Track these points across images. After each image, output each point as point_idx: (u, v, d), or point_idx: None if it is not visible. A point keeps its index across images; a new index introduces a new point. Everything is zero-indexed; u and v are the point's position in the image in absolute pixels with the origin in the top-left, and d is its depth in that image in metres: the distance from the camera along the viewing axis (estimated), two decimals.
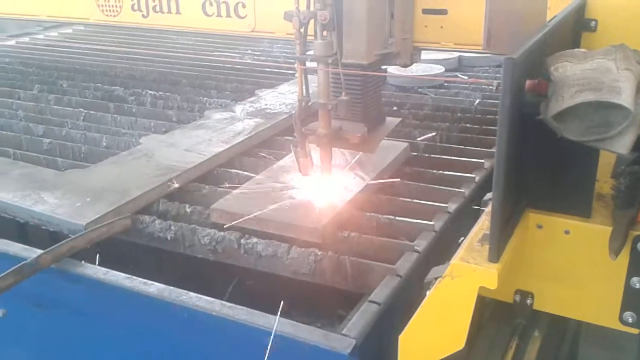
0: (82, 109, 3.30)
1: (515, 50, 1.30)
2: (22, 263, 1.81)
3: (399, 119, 2.50)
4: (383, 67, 2.33)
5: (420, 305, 1.44)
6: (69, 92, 3.68)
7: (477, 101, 3.36)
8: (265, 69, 4.09)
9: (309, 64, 2.04)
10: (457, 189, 2.31)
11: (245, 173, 2.51)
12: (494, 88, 3.52)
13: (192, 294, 1.74)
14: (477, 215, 1.69)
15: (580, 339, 2.70)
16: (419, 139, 2.80)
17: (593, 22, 1.90)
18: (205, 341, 1.73)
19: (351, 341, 1.53)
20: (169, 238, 2.12)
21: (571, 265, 1.53)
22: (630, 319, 1.49)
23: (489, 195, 1.68)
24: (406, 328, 1.45)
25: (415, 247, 1.95)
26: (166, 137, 2.84)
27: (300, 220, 2.04)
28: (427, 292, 1.44)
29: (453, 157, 2.63)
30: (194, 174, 2.48)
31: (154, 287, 1.78)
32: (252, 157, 2.70)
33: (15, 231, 2.31)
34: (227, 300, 1.72)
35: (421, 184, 2.38)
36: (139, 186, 2.31)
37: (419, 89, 3.62)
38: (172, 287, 1.78)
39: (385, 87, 3.56)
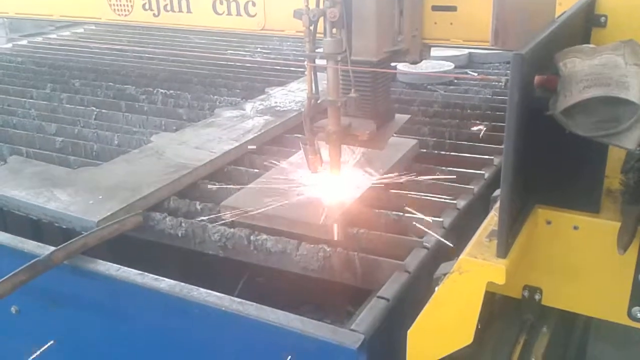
0: (94, 108, 3.33)
1: (524, 46, 1.31)
2: (35, 260, 1.84)
3: (408, 116, 2.51)
4: (392, 64, 2.34)
5: (429, 301, 1.44)
6: (81, 91, 3.71)
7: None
8: (275, 67, 4.11)
9: (318, 62, 2.04)
10: (466, 186, 2.31)
11: (255, 170, 2.52)
12: (503, 84, 3.52)
13: (202, 289, 1.76)
14: (486, 211, 1.69)
15: (590, 335, 2.69)
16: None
17: (603, 18, 1.89)
18: (215, 336, 1.75)
19: (360, 336, 1.54)
20: (179, 235, 2.13)
21: (580, 260, 1.53)
22: (638, 314, 1.49)
23: (497, 191, 1.68)
24: (414, 323, 1.46)
25: (424, 244, 1.95)
26: (177, 135, 2.86)
27: (309, 217, 2.05)
28: (436, 288, 1.45)
29: (462, 154, 2.63)
30: (204, 172, 2.50)
31: (165, 283, 1.80)
32: (262, 155, 2.71)
33: (28, 228, 2.34)
34: (237, 296, 1.74)
35: (430, 181, 2.38)
36: (150, 184, 2.33)
37: (429, 86, 3.62)
38: (182, 283, 1.79)
39: (395, 84, 3.56)
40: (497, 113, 3.11)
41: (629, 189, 1.52)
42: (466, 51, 4.04)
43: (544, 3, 2.01)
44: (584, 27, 1.88)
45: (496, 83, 3.59)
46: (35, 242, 2.05)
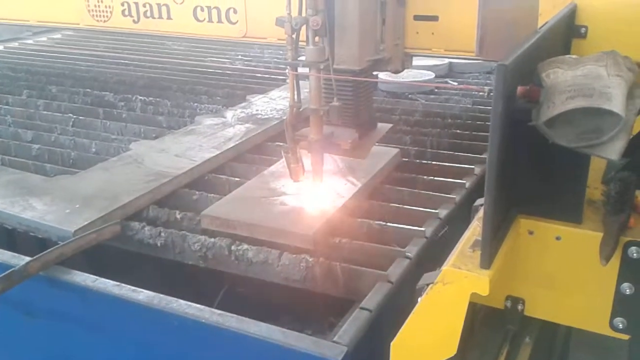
0: (71, 115, 3.28)
1: (507, 57, 1.31)
2: (10, 270, 1.79)
3: (390, 125, 2.51)
4: (374, 73, 2.33)
5: (412, 312, 1.43)
6: (58, 97, 3.66)
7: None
8: (256, 75, 4.09)
9: (300, 70, 2.03)
10: (447, 195, 2.32)
11: (236, 179, 2.50)
12: (486, 94, 3.53)
13: (181, 301, 1.73)
14: (467, 220, 1.69)
15: (570, 345, 2.71)
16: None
17: (583, 29, 1.91)
18: (195, 349, 1.72)
19: (342, 348, 1.52)
20: (158, 244, 2.10)
21: (562, 271, 1.53)
22: (620, 325, 1.49)
23: (479, 201, 1.68)
24: (398, 335, 1.44)
25: (407, 254, 1.94)
26: (156, 143, 2.82)
27: (291, 227, 2.03)
28: (419, 299, 1.43)
29: (444, 163, 2.63)
30: (184, 180, 2.47)
31: (143, 295, 1.77)
32: (243, 163, 2.69)
33: (3, 238, 2.28)
34: (217, 308, 1.71)
35: (412, 190, 2.38)
36: (129, 192, 2.29)
37: (410, 95, 3.63)
38: (161, 295, 1.76)
39: (376, 93, 3.56)
40: (477, 122, 3.13)
41: (610, 199, 1.53)
42: (446, 61, 4.07)
43: (526, 14, 2.03)
44: (565, 37, 1.90)
45: (476, 93, 3.61)
46: (10, 252, 2.01)
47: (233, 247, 2.00)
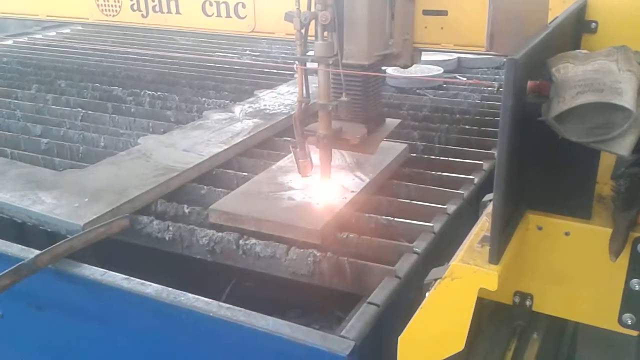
0: (80, 109, 3.30)
1: (517, 51, 1.30)
2: (20, 263, 1.80)
3: (399, 120, 2.50)
4: (382, 67, 2.33)
5: (420, 307, 1.43)
6: (67, 92, 3.67)
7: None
8: (264, 70, 4.09)
9: (309, 65, 2.03)
10: (456, 190, 2.31)
11: (244, 174, 2.50)
12: (495, 89, 3.51)
13: (190, 295, 1.73)
14: (476, 216, 1.68)
15: (578, 341, 2.70)
16: None
17: (593, 24, 1.89)
18: (203, 342, 1.72)
19: (350, 343, 1.52)
20: (167, 239, 2.11)
21: (571, 266, 1.53)
22: (629, 321, 1.49)
23: (488, 197, 1.68)
24: (405, 329, 1.44)
25: (414, 249, 1.94)
26: (164, 138, 2.83)
27: (299, 221, 2.03)
28: (427, 294, 1.43)
29: (452, 159, 2.62)
30: (192, 175, 2.47)
31: (151, 288, 1.78)
32: (251, 158, 2.69)
33: (12, 231, 2.30)
34: (225, 302, 1.72)
35: (420, 185, 2.38)
36: (137, 186, 2.30)
37: (418, 90, 3.62)
38: (170, 288, 1.77)
39: (384, 88, 3.56)
40: (486, 118, 3.12)
41: (620, 195, 1.52)
42: (455, 56, 4.05)
43: (536, 9, 2.02)
44: (575, 32, 1.88)
45: (485, 88, 3.59)
46: (20, 246, 2.02)
47: (241, 242, 2.01)
